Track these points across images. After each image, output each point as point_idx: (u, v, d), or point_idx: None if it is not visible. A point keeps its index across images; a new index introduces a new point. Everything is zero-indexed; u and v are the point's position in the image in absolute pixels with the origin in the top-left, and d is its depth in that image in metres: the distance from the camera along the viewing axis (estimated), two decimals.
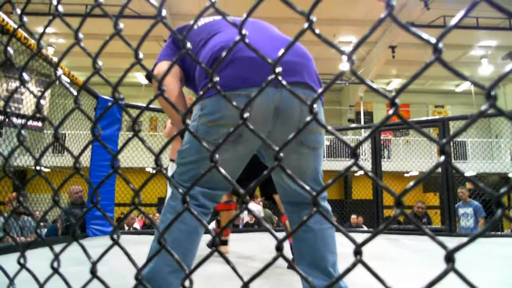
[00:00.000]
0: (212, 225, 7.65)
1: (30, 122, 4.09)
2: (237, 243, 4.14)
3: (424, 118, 6.43)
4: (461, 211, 5.95)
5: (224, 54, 1.11)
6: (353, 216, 9.39)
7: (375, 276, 0.45)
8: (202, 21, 1.44)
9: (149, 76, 0.57)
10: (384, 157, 13.11)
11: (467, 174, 0.47)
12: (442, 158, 0.42)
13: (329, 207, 1.37)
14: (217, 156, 0.60)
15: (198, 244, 1.22)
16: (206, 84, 1.22)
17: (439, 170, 5.07)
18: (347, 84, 13.78)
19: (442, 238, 0.40)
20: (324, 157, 13.20)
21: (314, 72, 1.25)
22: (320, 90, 0.53)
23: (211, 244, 0.59)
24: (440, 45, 0.42)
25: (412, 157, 12.81)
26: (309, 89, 1.20)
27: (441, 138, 4.20)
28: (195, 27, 1.39)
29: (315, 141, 1.27)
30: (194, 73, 1.35)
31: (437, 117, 10.29)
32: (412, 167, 12.53)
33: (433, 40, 0.42)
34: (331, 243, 1.31)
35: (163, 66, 1.40)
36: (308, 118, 0.51)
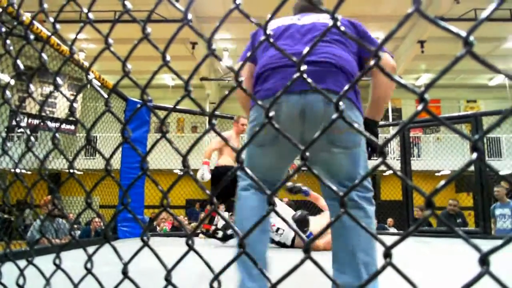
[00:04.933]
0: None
1: (63, 126, 4.24)
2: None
3: (455, 114, 6.22)
4: (497, 212, 5.66)
5: (264, 71, 1.37)
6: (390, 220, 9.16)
7: (406, 279, 0.44)
8: (269, 27, 1.48)
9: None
10: (413, 156, 12.76)
11: (502, 172, 0.46)
12: (475, 155, 0.41)
13: (372, 208, 1.39)
14: (242, 156, 0.60)
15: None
16: (255, 93, 1.46)
17: (472, 168, 4.88)
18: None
19: (476, 241, 0.38)
20: None
21: (342, 78, 1.35)
22: (345, 87, 0.52)
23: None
24: (471, 38, 0.40)
25: (443, 155, 12.40)
26: (333, 93, 1.30)
27: (473, 135, 4.02)
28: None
29: (346, 141, 1.33)
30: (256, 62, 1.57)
31: (469, 112, 9.94)
32: (443, 166, 12.12)
33: (463, 33, 0.41)
34: (365, 242, 1.30)
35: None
36: (334, 117, 0.51)
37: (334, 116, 0.52)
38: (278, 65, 1.38)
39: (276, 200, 4.10)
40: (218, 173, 4.36)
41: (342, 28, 1.49)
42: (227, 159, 4.47)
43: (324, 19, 1.57)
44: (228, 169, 4.31)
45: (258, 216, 1.39)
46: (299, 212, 3.64)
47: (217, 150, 4.53)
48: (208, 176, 4.21)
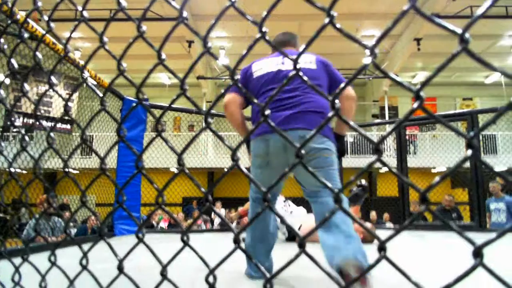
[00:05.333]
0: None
1: (59, 125, 4.22)
2: None
3: (451, 112, 6.25)
4: (492, 206, 5.72)
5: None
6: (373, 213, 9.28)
7: (400, 271, 0.44)
8: (258, 71, 2.01)
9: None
10: (409, 153, 12.81)
11: (497, 169, 0.46)
12: (470, 152, 0.41)
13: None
14: (238, 154, 0.61)
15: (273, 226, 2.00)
16: (251, 132, 1.84)
17: (468, 165, 4.91)
18: (370, 78, 13.54)
19: (471, 234, 0.39)
20: (347, 154, 13.04)
21: (315, 116, 1.85)
22: (344, 86, 0.53)
23: None
24: (467, 35, 0.41)
25: (439, 152, 12.46)
26: (306, 130, 1.81)
27: (469, 132, 4.02)
28: (254, 76, 2.02)
29: (317, 163, 1.79)
30: (252, 105, 2.01)
31: (465, 110, 9.96)
32: (439, 163, 12.18)
33: (459, 30, 0.41)
34: (341, 219, 1.68)
35: (229, 95, 2.03)
36: (330, 115, 0.51)
37: (330, 114, 0.52)
38: (285, 109, 1.86)
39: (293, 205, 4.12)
40: None
41: (314, 66, 1.93)
42: None
43: (302, 63, 1.96)
44: None
45: (262, 220, 1.94)
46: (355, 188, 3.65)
47: None
48: None
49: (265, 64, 2.03)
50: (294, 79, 1.94)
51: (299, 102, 1.86)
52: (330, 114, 0.53)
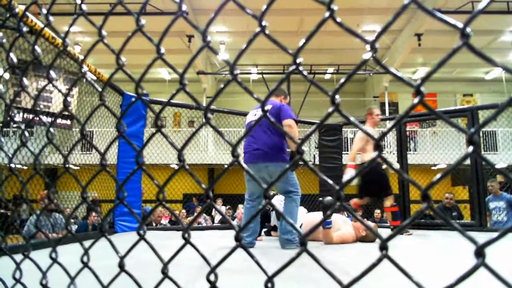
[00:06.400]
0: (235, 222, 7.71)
1: (59, 120, 4.21)
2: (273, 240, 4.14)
3: (452, 108, 6.23)
4: (492, 205, 5.68)
5: (244, 151, 3.53)
6: (377, 211, 9.26)
7: (402, 270, 0.44)
8: (246, 120, 3.59)
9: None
10: (410, 150, 12.80)
11: (498, 166, 0.45)
12: (471, 148, 0.41)
13: (298, 199, 3.28)
14: (239, 150, 0.60)
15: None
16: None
17: (469, 162, 4.90)
18: (371, 74, 13.50)
19: (472, 233, 0.38)
20: (347, 150, 13.04)
21: (273, 154, 3.21)
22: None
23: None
24: (468, 29, 0.40)
25: (439, 149, 12.43)
26: (270, 162, 3.20)
27: (470, 128, 4.05)
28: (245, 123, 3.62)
29: (284, 179, 3.18)
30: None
31: (465, 106, 9.94)
32: (440, 160, 12.17)
33: (460, 24, 0.41)
34: (291, 214, 3.23)
35: None
36: (330, 110, 0.51)
37: (331, 109, 0.52)
38: (248, 150, 3.27)
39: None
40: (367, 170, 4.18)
41: (268, 108, 2.30)
42: (371, 156, 4.35)
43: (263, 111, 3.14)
44: (375, 165, 4.10)
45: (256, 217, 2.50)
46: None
47: (360, 149, 4.37)
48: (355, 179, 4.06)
49: (249, 115, 3.48)
50: (257, 125, 3.10)
51: (260, 143, 3.21)
52: (331, 109, 0.52)
